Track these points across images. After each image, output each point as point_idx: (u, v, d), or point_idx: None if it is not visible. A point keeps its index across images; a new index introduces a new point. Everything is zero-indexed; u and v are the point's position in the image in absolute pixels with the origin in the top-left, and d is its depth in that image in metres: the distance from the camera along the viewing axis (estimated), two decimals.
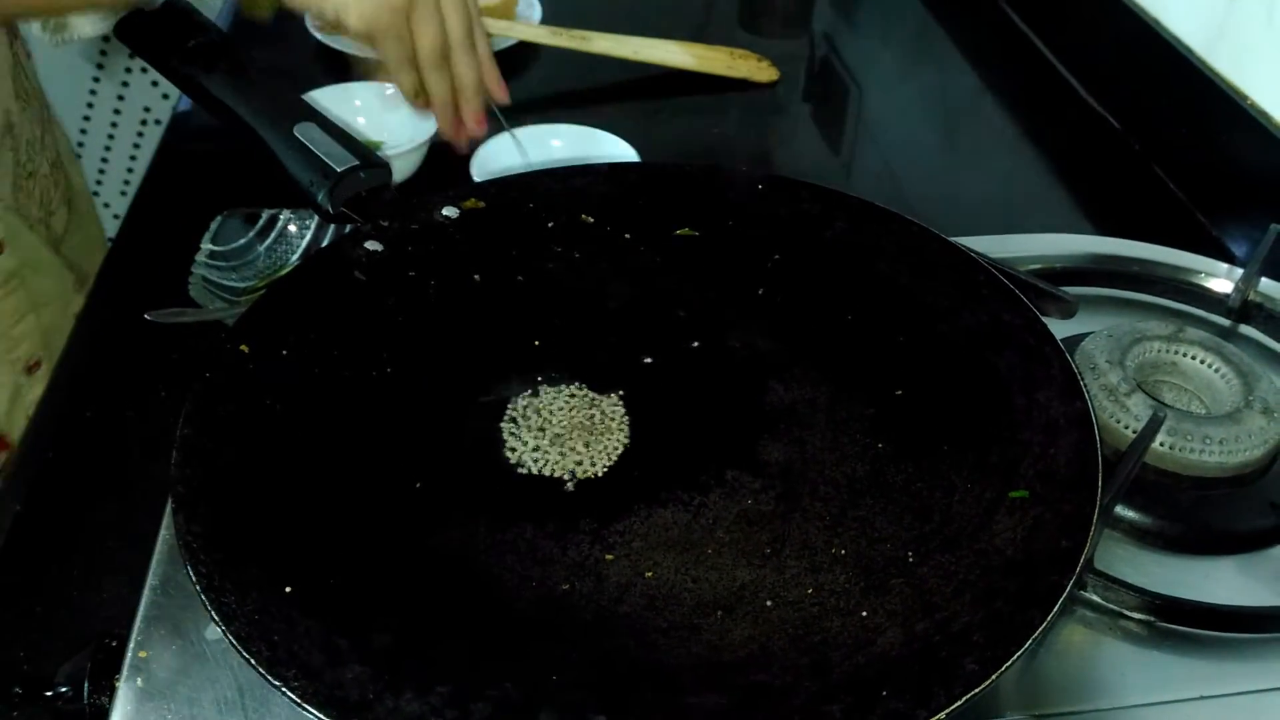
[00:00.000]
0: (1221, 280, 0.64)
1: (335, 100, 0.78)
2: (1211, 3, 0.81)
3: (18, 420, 0.77)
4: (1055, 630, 0.47)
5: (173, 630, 0.44)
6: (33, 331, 0.78)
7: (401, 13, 0.62)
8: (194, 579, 0.39)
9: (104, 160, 1.57)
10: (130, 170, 1.58)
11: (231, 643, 0.36)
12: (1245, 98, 0.77)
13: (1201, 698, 0.45)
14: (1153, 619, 0.47)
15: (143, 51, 0.64)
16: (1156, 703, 0.45)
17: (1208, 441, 0.51)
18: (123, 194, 1.60)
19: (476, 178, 0.71)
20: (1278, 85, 0.75)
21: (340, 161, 0.56)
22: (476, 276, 0.55)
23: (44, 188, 0.80)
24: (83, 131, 1.53)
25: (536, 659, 0.37)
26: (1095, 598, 0.47)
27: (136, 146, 1.56)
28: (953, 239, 0.56)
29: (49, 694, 0.45)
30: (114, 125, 1.54)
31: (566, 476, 0.46)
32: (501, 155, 0.73)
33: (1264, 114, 0.76)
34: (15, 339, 0.76)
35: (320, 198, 0.55)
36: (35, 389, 0.78)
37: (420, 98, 0.69)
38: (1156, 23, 0.87)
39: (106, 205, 1.59)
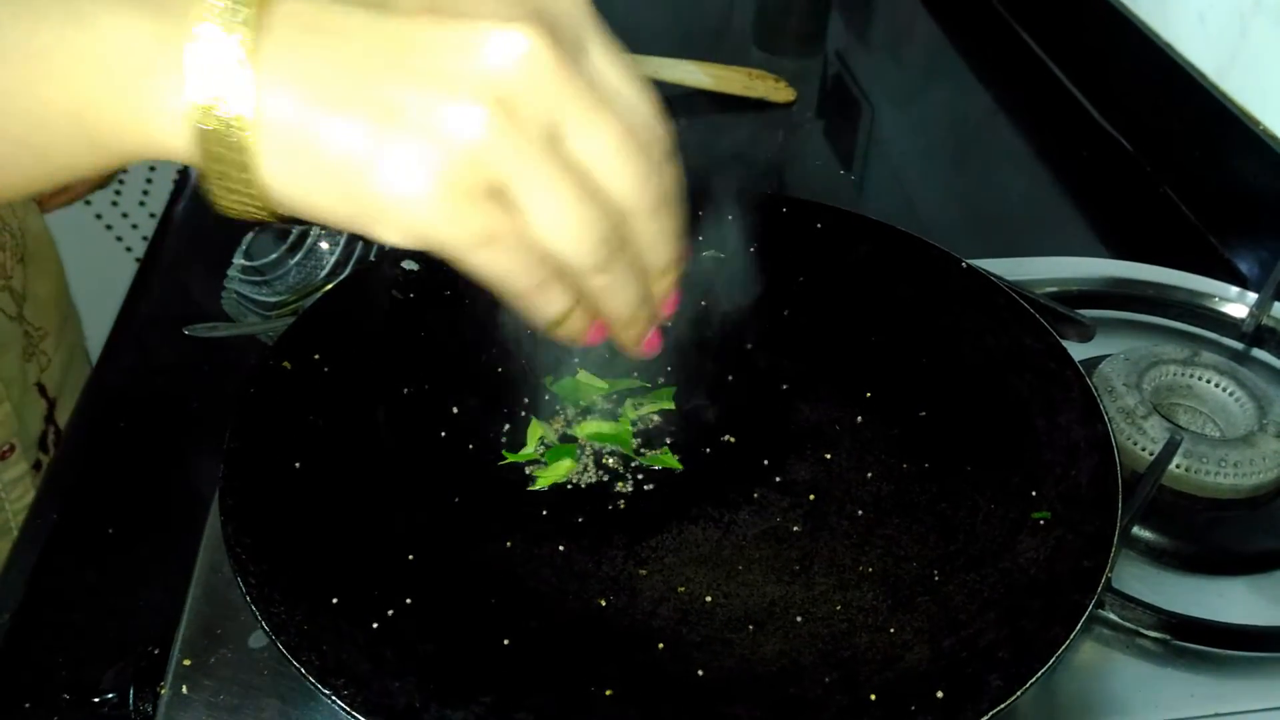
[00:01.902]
0: (1235, 305, 0.65)
1: None
2: (1225, 28, 0.83)
3: None
4: (1072, 648, 0.48)
5: (216, 639, 0.46)
6: (7, 419, 0.75)
7: (485, 193, 0.31)
8: (243, 589, 0.40)
9: (123, 171, 1.59)
10: (149, 182, 1.60)
11: (282, 652, 0.38)
12: (1257, 123, 0.79)
13: (1215, 715, 0.46)
14: (1168, 637, 0.48)
15: None
16: (1169, 719, 0.46)
17: (1223, 464, 0.52)
18: (141, 204, 1.62)
19: None
20: None
21: None
22: None
23: None
24: None
25: (575, 670, 0.39)
26: (1112, 616, 0.48)
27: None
28: (971, 262, 0.58)
29: (95, 700, 0.46)
30: None
31: (599, 492, 0.47)
32: None
33: (1276, 139, 0.77)
34: None
35: None
36: (6, 474, 0.75)
37: (575, 324, 0.37)
38: (1170, 47, 0.89)
39: (125, 215, 1.61)
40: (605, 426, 0.49)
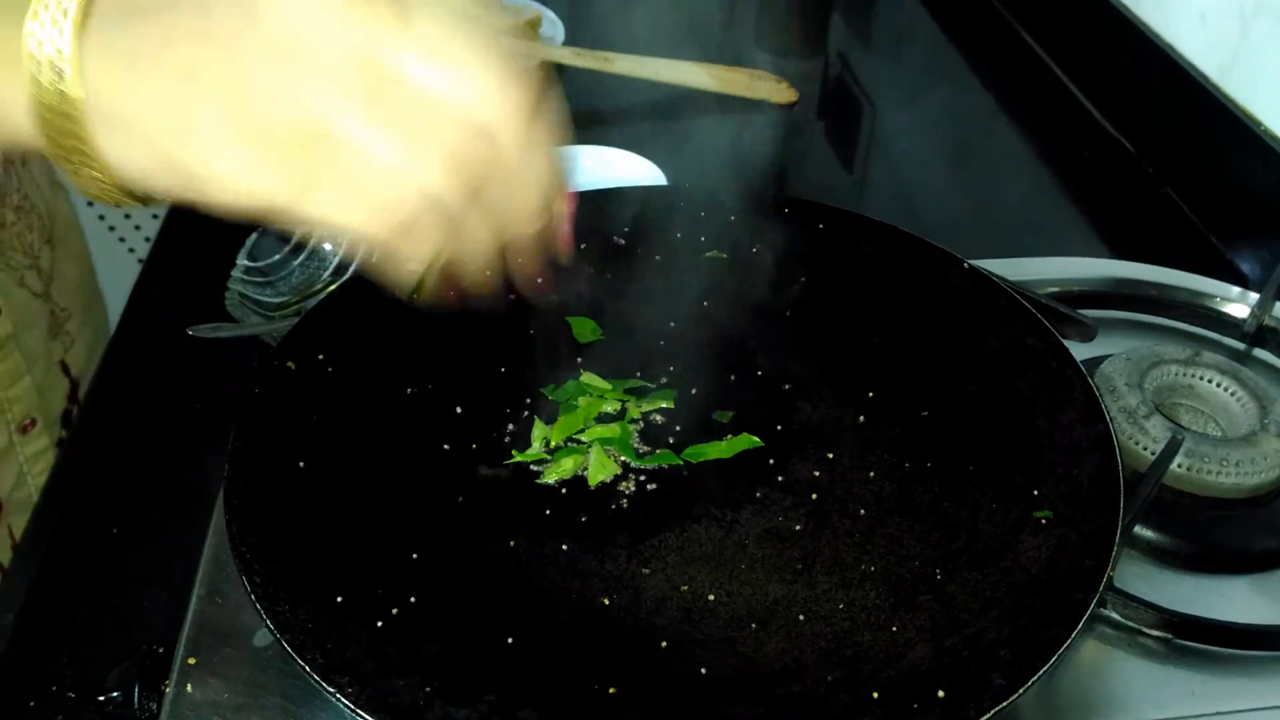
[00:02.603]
0: (1237, 305, 0.65)
1: None
2: (1226, 29, 0.83)
3: (6, 480, 0.76)
4: (1074, 646, 0.48)
5: (220, 638, 0.46)
6: (28, 393, 0.77)
7: (302, 140, 0.32)
8: (248, 589, 0.40)
9: None
10: None
11: (287, 650, 0.38)
12: (1258, 123, 0.79)
13: (1216, 713, 0.46)
14: (1169, 636, 0.48)
15: None
16: (1171, 718, 0.46)
17: (1224, 463, 0.53)
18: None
19: None
20: None
21: None
22: (512, 295, 0.56)
23: (18, 233, 0.77)
24: None
25: (579, 668, 0.39)
26: (1114, 615, 0.48)
27: None
28: (973, 262, 0.58)
29: (100, 699, 0.47)
30: None
31: (603, 491, 0.47)
32: None
33: (1277, 139, 0.77)
34: (10, 401, 0.75)
35: None
36: (27, 448, 0.77)
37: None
38: (1171, 48, 0.89)
39: (128, 216, 1.62)
40: (608, 430, 0.49)
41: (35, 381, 0.77)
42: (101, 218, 1.59)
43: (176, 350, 0.68)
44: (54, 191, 0.84)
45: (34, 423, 0.77)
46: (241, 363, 0.67)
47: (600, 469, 0.47)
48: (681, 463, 0.48)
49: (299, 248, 0.70)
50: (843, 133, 1.02)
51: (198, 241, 0.82)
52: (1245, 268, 0.80)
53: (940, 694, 0.37)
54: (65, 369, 0.82)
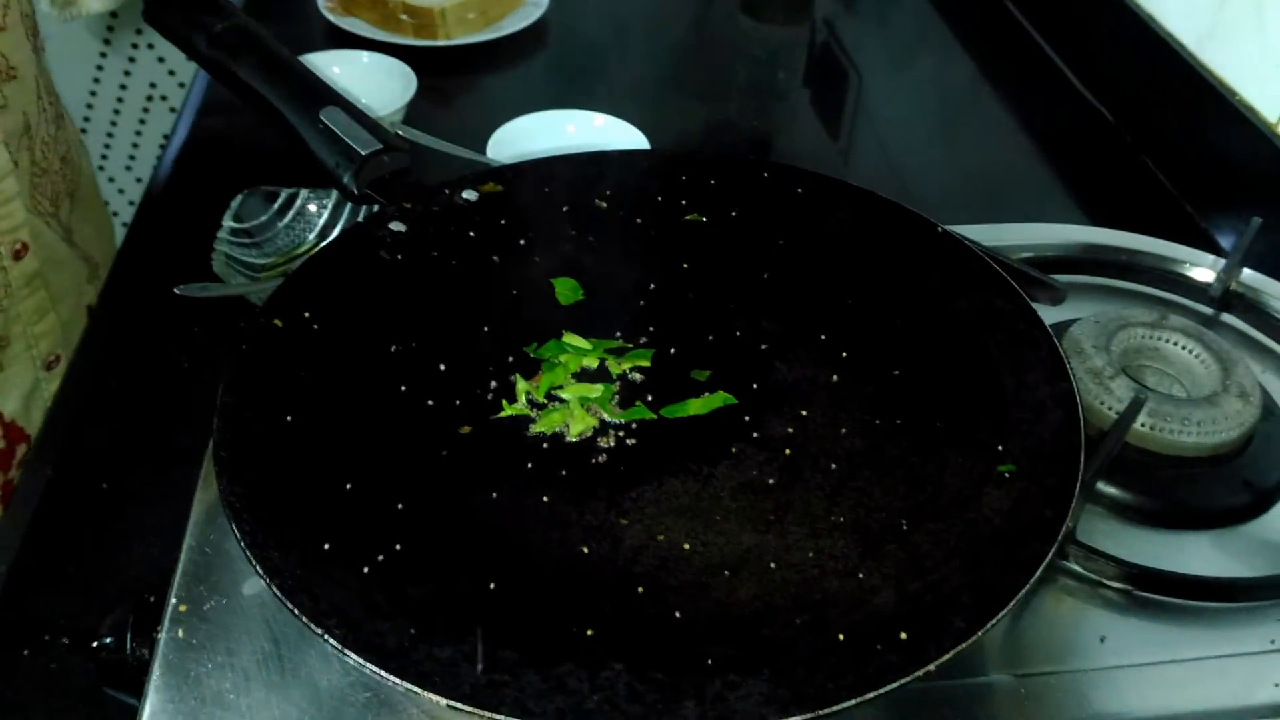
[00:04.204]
0: (1205, 270, 0.67)
1: (315, 68, 0.77)
2: (1204, 2, 0.84)
3: (35, 415, 0.78)
4: (1039, 597, 0.50)
5: (211, 587, 0.47)
6: (53, 329, 0.79)
7: None
8: (238, 537, 0.41)
9: (109, 136, 1.58)
10: (136, 147, 1.59)
11: (276, 595, 0.39)
12: (1234, 93, 0.80)
13: (1173, 661, 0.48)
14: (1130, 588, 0.50)
15: (169, 34, 0.66)
16: (1131, 665, 0.47)
17: (1186, 423, 0.54)
18: (128, 169, 1.61)
19: (492, 160, 0.73)
20: (1265, 82, 0.77)
21: (365, 145, 0.58)
22: (495, 257, 0.57)
23: (53, 183, 0.80)
24: (89, 106, 1.54)
25: (558, 612, 0.40)
26: (1077, 567, 0.50)
27: (142, 123, 1.57)
28: (948, 228, 0.59)
29: (94, 645, 0.48)
30: (120, 101, 1.55)
31: (583, 446, 0.48)
32: (519, 139, 0.75)
33: (1251, 110, 0.78)
34: (36, 337, 0.78)
35: (346, 179, 0.57)
36: (52, 385, 0.79)
37: None
38: (1151, 19, 0.90)
39: (111, 180, 1.61)
40: (589, 389, 0.50)
41: (61, 320, 0.80)
42: None
43: (164, 311, 0.69)
44: (80, 149, 0.87)
45: (58, 359, 0.80)
46: (228, 322, 0.68)
47: (580, 423, 0.48)
48: (659, 419, 0.49)
49: (284, 209, 0.71)
50: (826, 99, 1.03)
51: (183, 204, 0.82)
52: (1218, 235, 0.81)
53: (903, 636, 0.39)
54: (90, 312, 0.85)
